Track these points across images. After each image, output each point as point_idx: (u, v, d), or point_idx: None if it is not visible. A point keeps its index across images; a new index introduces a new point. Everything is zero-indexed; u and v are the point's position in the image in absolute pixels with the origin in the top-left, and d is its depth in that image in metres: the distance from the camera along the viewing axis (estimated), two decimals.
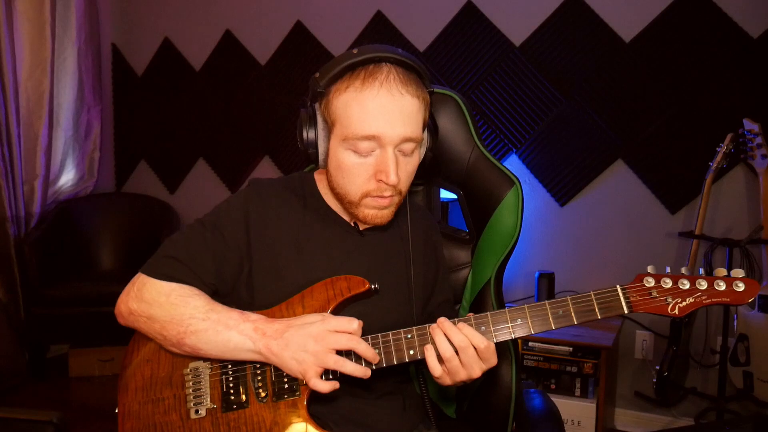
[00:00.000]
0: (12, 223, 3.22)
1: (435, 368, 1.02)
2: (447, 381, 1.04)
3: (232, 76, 3.55)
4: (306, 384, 1.04)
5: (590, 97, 2.79)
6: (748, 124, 2.40)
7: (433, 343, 1.02)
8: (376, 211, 1.11)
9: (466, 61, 3.01)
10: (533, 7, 2.87)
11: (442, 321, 1.02)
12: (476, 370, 1.02)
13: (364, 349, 1.02)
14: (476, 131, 1.39)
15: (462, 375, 1.02)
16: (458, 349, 1.00)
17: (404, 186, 1.11)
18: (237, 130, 3.57)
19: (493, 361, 1.03)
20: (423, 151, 1.17)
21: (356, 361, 1.03)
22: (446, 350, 1.00)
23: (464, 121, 1.39)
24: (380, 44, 1.08)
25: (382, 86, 1.04)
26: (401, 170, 1.08)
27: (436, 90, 1.38)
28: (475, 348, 1.00)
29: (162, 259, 1.12)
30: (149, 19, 3.75)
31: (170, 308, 1.06)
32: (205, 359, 1.10)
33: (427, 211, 1.37)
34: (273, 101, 3.45)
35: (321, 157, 1.13)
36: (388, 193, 1.08)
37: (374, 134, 1.04)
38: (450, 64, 3.05)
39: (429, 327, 1.04)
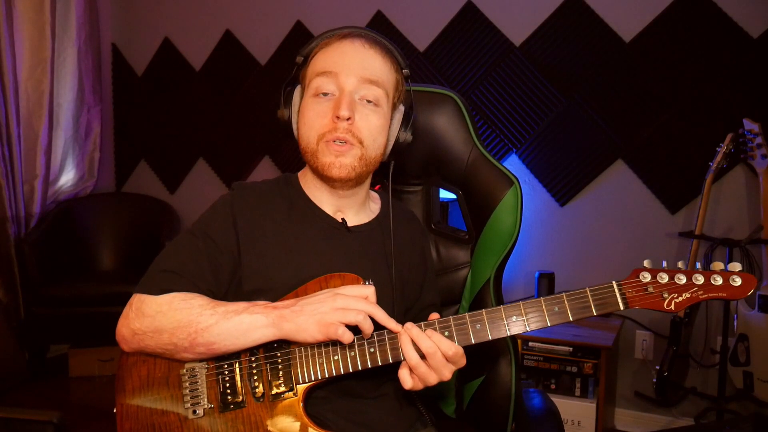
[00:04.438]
0: (12, 223, 3.22)
1: (406, 380, 1.03)
2: (419, 386, 1.04)
3: (232, 76, 3.55)
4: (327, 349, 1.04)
5: (590, 97, 2.79)
6: (748, 124, 2.40)
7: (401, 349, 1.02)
8: (333, 158, 1.10)
9: (466, 61, 3.01)
10: (533, 7, 2.87)
11: (409, 327, 1.02)
12: (446, 372, 1.01)
13: (383, 316, 1.01)
14: (475, 131, 1.39)
15: (432, 379, 1.01)
16: (426, 355, 1.00)
17: (366, 137, 1.11)
18: (237, 130, 3.57)
19: (462, 362, 1.03)
20: (397, 121, 1.17)
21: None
22: (412, 357, 1.00)
23: (463, 121, 1.39)
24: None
25: (347, 40, 1.13)
26: (361, 116, 1.10)
27: (435, 90, 1.39)
28: (443, 353, 1.00)
29: (156, 274, 1.11)
30: (149, 19, 3.75)
31: (175, 313, 1.05)
32: (218, 359, 1.08)
33: (415, 216, 1.37)
34: (273, 101, 3.44)
35: (294, 117, 1.17)
36: (341, 134, 1.09)
37: (330, 70, 1.10)
38: (450, 64, 3.05)
39: (398, 334, 1.03)
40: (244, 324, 1.03)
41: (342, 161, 1.10)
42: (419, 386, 1.03)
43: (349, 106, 1.08)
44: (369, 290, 1.03)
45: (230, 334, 1.03)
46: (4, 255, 3.18)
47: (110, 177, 3.92)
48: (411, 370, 1.02)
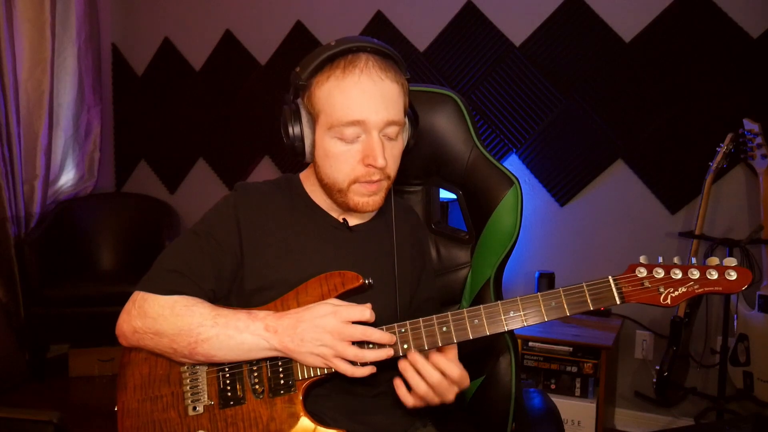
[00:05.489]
0: (12, 223, 3.21)
1: (407, 400, 1.04)
2: (420, 405, 1.05)
3: (232, 76, 3.55)
4: (331, 372, 1.05)
5: (590, 97, 2.79)
6: (748, 124, 2.40)
7: (404, 379, 1.03)
8: (366, 198, 1.12)
9: (466, 61, 3.01)
10: (533, 7, 2.87)
11: (414, 358, 1.02)
12: (450, 395, 1.03)
13: (379, 337, 1.03)
14: (475, 131, 1.39)
15: (435, 401, 1.03)
16: (432, 386, 1.02)
17: (392, 170, 1.13)
18: (237, 130, 3.57)
19: (466, 383, 1.05)
20: (406, 137, 1.19)
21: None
22: (420, 387, 1.01)
23: (463, 121, 1.39)
24: (356, 35, 1.11)
25: (363, 72, 1.06)
26: (388, 154, 1.10)
27: (435, 90, 1.39)
28: (449, 378, 1.02)
29: (159, 273, 1.11)
30: (149, 19, 3.75)
31: (176, 320, 1.05)
32: (219, 365, 1.09)
33: (413, 210, 1.38)
34: (273, 101, 3.44)
35: (308, 149, 1.14)
36: (376, 177, 1.10)
37: (359, 119, 1.06)
38: (450, 64, 3.05)
39: (399, 361, 1.04)
40: (245, 345, 1.04)
41: (374, 199, 1.13)
42: (420, 405, 1.05)
43: (383, 154, 1.08)
44: (367, 314, 1.03)
45: (231, 351, 1.05)
46: (4, 255, 3.18)
47: (110, 177, 3.91)
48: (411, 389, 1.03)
